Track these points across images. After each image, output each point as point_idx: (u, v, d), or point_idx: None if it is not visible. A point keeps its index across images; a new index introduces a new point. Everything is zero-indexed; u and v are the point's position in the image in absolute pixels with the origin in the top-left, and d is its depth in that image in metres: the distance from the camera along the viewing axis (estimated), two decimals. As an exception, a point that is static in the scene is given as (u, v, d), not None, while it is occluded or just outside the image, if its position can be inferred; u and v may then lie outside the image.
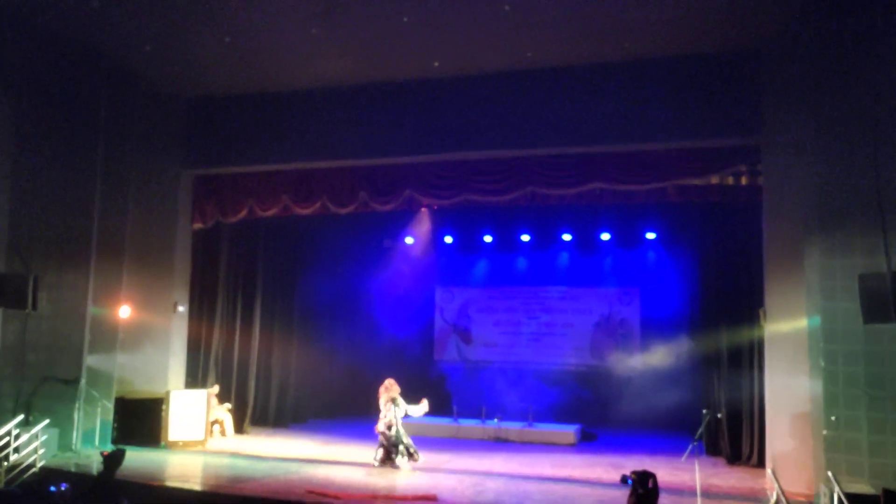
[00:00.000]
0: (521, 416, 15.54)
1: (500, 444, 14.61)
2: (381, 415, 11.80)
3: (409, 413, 11.94)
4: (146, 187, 13.72)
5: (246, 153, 13.92)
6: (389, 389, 11.89)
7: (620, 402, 16.68)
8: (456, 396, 16.42)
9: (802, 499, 9.62)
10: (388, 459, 11.67)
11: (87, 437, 12.46)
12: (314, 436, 15.19)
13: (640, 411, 16.22)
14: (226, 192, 14.43)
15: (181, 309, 14.32)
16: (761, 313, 11.33)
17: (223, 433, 14.45)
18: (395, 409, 11.76)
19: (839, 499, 7.73)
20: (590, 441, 15.10)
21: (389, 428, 11.65)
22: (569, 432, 14.82)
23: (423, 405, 11.97)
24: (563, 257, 17.96)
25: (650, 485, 7.09)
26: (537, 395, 16.31)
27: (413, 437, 12.02)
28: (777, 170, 10.96)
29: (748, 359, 12.60)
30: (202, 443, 13.35)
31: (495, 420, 15.21)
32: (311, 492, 9.77)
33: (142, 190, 13.59)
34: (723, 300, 13.30)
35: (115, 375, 12.89)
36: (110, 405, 12.78)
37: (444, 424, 15.54)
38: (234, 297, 15.77)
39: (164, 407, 13.21)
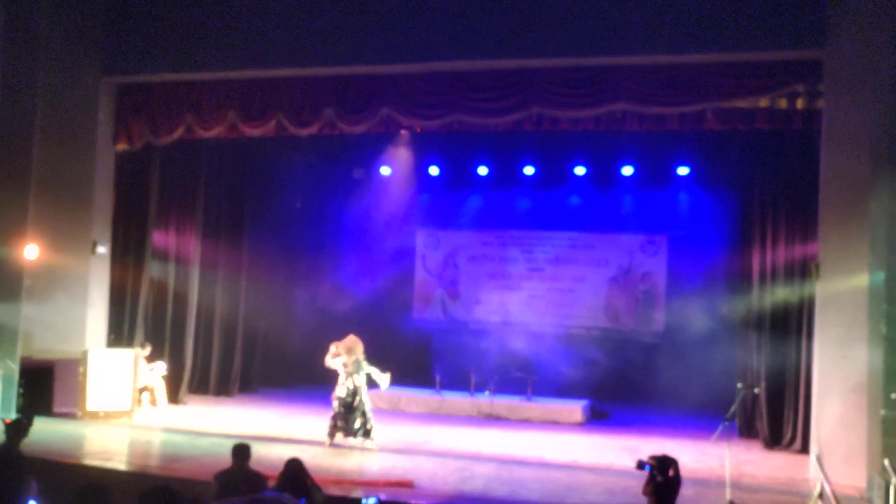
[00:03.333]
0: (518, 388, 15.72)
1: (491, 421, 14.82)
2: (341, 379, 11.88)
3: (376, 380, 12.03)
4: (58, 99, 13.49)
5: (182, 57, 13.68)
6: (352, 349, 11.94)
7: (639, 373, 16.90)
8: (439, 363, 16.57)
9: (853, 492, 9.82)
10: (339, 431, 11.79)
11: (-14, 404, 12.50)
12: (265, 407, 15.35)
13: (662, 385, 16.43)
14: (157, 105, 14.25)
15: (101, 250, 14.25)
16: (813, 268, 11.39)
17: (154, 403, 14.56)
18: (357, 373, 11.83)
19: (896, 492, 7.91)
20: (600, 420, 15.35)
21: (352, 395, 11.75)
22: (575, 409, 15.03)
23: (386, 378, 12.05)
24: (575, 196, 17.93)
25: (671, 472, 7.17)
26: (538, 363, 16.47)
27: (386, 412, 12.14)
28: (842, 91, 10.88)
29: (795, 323, 12.75)
30: (128, 414, 13.45)
31: (486, 393, 15.40)
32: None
33: (52, 102, 13.37)
34: (767, 252, 13.37)
35: (19, 330, 12.86)
36: (14, 366, 12.78)
37: (424, 397, 15.73)
38: (168, 236, 15.70)
39: (81, 369, 13.24)
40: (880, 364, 9.65)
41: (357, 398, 11.83)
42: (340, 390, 11.89)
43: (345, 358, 11.93)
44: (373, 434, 11.88)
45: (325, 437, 12.00)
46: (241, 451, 7.86)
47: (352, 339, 12.11)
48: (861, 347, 10.21)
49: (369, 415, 11.91)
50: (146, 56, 13.95)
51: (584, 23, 12.03)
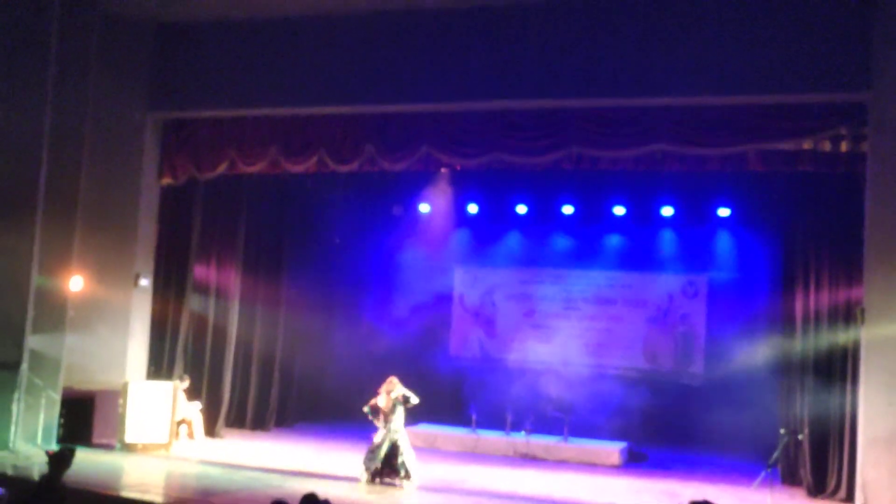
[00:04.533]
0: (555, 428, 15.56)
1: (527, 461, 14.69)
2: (380, 423, 11.85)
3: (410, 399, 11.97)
4: (105, 133, 13.73)
5: (226, 94, 13.91)
6: (392, 389, 11.91)
7: (678, 416, 16.64)
8: (475, 402, 16.44)
9: (899, 542, 9.57)
10: (381, 474, 11.73)
11: (29, 434, 12.60)
12: (301, 442, 15.35)
13: (701, 428, 16.17)
14: (202, 141, 14.46)
15: (144, 283, 14.41)
16: (858, 313, 11.20)
17: (191, 435, 14.60)
18: (398, 413, 11.79)
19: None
20: (639, 462, 15.12)
21: (388, 438, 11.70)
22: (613, 451, 14.84)
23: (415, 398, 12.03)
24: (614, 235, 17.85)
25: (712, 518, 7.07)
26: (575, 403, 16.28)
27: (422, 449, 12.06)
28: (887, 134, 10.81)
29: (840, 369, 12.49)
30: (166, 446, 13.49)
31: (522, 432, 15.27)
32: (295, 510, 9.84)
33: (100, 136, 13.60)
34: (811, 295, 13.16)
35: (62, 361, 13.00)
36: (57, 396, 12.91)
37: (459, 435, 15.63)
38: (209, 270, 15.86)
39: (121, 401, 13.34)
40: (928, 412, 9.44)
41: (393, 440, 11.74)
42: (378, 435, 11.85)
43: (384, 399, 11.87)
44: (411, 473, 11.77)
45: (361, 474, 11.97)
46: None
47: (390, 382, 12.03)
48: (908, 395, 10.00)
49: (406, 455, 11.80)
50: (192, 92, 14.21)
51: (622, 62, 12.08)
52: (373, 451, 11.79)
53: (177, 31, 14.32)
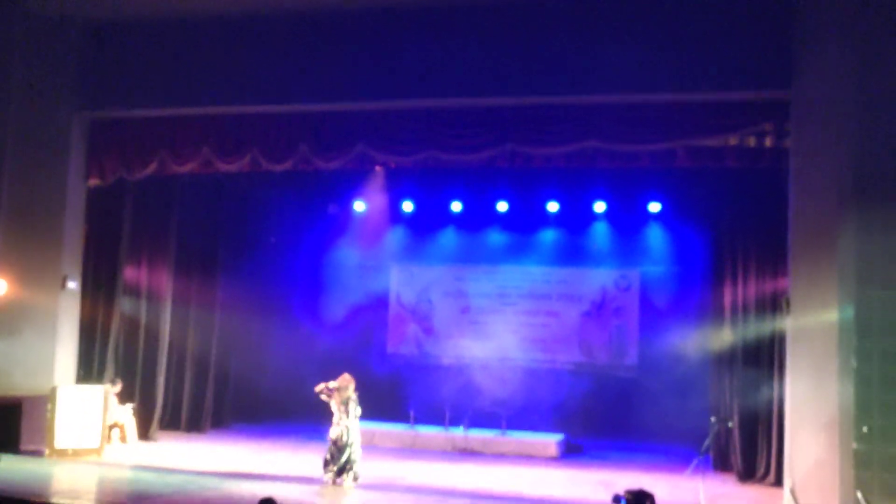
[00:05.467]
0: (493, 422, 15.69)
1: (466, 455, 14.77)
2: (335, 419, 11.75)
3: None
4: (29, 133, 13.48)
5: (156, 93, 13.67)
6: (345, 388, 11.82)
7: (613, 407, 16.94)
8: (413, 398, 16.51)
9: (826, 524, 9.87)
10: (331, 472, 11.66)
11: (-48, 443, 12.27)
12: (238, 443, 15.19)
13: (636, 419, 16.51)
14: (130, 141, 14.18)
15: (72, 285, 14.09)
16: (784, 303, 11.53)
17: (124, 439, 14.35)
18: (349, 412, 11.71)
19: (869, 524, 7.97)
20: (575, 453, 15.34)
21: (342, 436, 11.61)
22: (550, 443, 15.02)
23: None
24: (548, 232, 18.06)
25: (647, 506, 7.24)
26: (512, 397, 16.45)
27: (361, 447, 11.98)
28: (808, 130, 11.09)
29: (767, 358, 12.86)
30: (97, 451, 13.24)
31: (461, 427, 15.37)
32: (233, 512, 9.76)
33: (23, 136, 13.37)
34: (739, 287, 13.52)
35: (-13, 367, 12.67)
36: (-19, 404, 12.58)
37: (398, 432, 15.67)
38: (140, 272, 15.58)
39: (49, 406, 13.04)
40: (851, 397, 9.73)
41: (349, 438, 11.66)
42: (334, 431, 11.72)
43: (337, 394, 11.78)
44: (355, 474, 11.68)
45: (308, 473, 11.89)
46: None
47: (343, 379, 11.95)
48: (832, 381, 10.28)
49: (355, 455, 11.72)
50: (120, 92, 13.92)
51: (554, 62, 12.21)
52: (333, 455, 11.65)
53: (104, 30, 14.02)
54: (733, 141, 12.04)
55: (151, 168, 14.01)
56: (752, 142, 12.01)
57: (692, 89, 11.80)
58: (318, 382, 12.02)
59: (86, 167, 14.32)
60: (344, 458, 11.58)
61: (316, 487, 11.54)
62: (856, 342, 9.71)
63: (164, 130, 13.95)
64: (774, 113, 11.65)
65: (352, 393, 11.81)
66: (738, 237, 13.68)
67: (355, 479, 11.63)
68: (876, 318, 9.59)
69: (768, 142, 11.88)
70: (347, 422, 11.66)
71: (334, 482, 11.57)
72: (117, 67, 13.95)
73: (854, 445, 9.61)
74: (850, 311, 9.89)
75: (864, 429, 9.53)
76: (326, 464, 11.71)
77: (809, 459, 10.69)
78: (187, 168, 13.93)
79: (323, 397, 11.86)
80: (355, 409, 11.76)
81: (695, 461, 9.81)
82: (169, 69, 13.62)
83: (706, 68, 11.65)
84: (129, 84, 13.86)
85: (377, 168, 16.02)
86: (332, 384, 11.85)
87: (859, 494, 8.43)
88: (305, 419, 15.62)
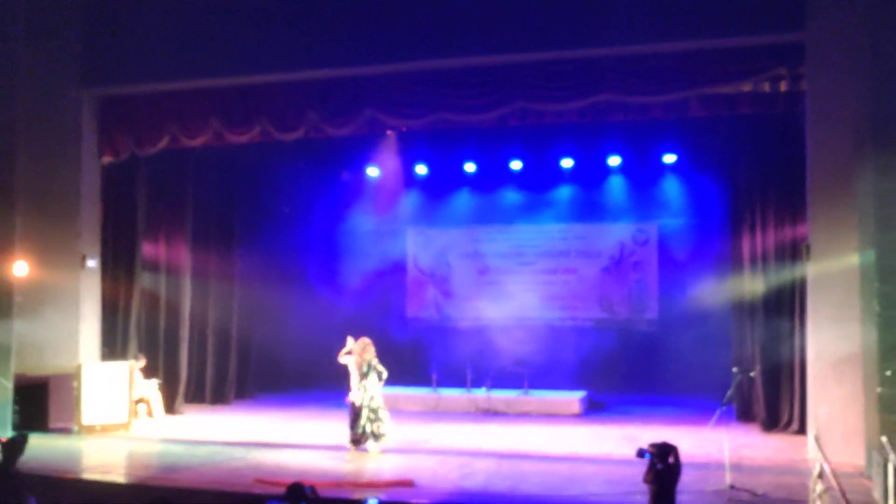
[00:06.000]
0: (515, 382, 15.73)
1: (489, 416, 14.84)
2: (353, 383, 11.78)
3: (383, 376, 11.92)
4: (39, 113, 13.44)
5: (163, 66, 13.59)
6: (365, 351, 11.84)
7: (635, 362, 16.95)
8: (435, 362, 16.57)
9: (851, 470, 9.85)
10: (360, 441, 11.69)
11: (-19, 423, 12.44)
12: (262, 413, 15.33)
13: (658, 373, 16.51)
14: (141, 116, 14.19)
15: (91, 264, 14.18)
16: (804, 249, 11.43)
17: (150, 414, 14.49)
18: (372, 377, 11.74)
19: (895, 468, 7.92)
20: (598, 410, 15.38)
21: (359, 401, 11.65)
22: (572, 400, 15.06)
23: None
24: (564, 189, 17.94)
25: (671, 459, 7.23)
26: (534, 357, 16.46)
27: (381, 410, 12.03)
28: (823, 73, 10.92)
29: (788, 306, 12.80)
30: (125, 426, 13.38)
31: (483, 389, 15.42)
32: (260, 481, 9.85)
33: (33, 116, 13.30)
34: (758, 235, 13.42)
35: (12, 348, 12.79)
36: (9, 384, 12.71)
37: (421, 395, 15.75)
38: (157, 247, 15.66)
39: (75, 384, 13.19)
40: (875, 342, 9.70)
41: (374, 402, 11.72)
42: (355, 395, 11.75)
43: (357, 358, 11.81)
44: (382, 437, 11.70)
45: (333, 441, 11.99)
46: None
47: (364, 342, 11.95)
48: (855, 326, 10.25)
49: (381, 419, 11.73)
50: (127, 67, 13.86)
51: (563, 15, 12.04)
52: (355, 422, 11.72)
53: (108, 5, 13.97)
54: (747, 87, 11.86)
55: (163, 143, 14.03)
56: (766, 87, 11.82)
57: (703, 36, 11.60)
58: (339, 350, 12.07)
59: (98, 145, 14.35)
60: (363, 422, 11.63)
61: (341, 453, 11.63)
62: (878, 286, 9.65)
63: (172, 104, 13.95)
64: (788, 57, 11.44)
65: (372, 357, 11.83)
66: (755, 185, 13.56)
67: (376, 438, 11.64)
68: (898, 262, 9.50)
69: (783, 86, 11.69)
70: (367, 385, 11.70)
71: (357, 447, 11.64)
72: (123, 42, 13.86)
73: (878, 390, 9.58)
74: (871, 256, 9.83)
75: (888, 373, 9.48)
76: (350, 429, 11.77)
77: (833, 406, 10.68)
78: (198, 141, 13.94)
79: (342, 360, 11.91)
80: (378, 373, 11.79)
81: (718, 412, 9.78)
82: (173, 42, 13.52)
83: (717, 13, 11.43)
84: (135, 59, 13.78)
85: (388, 132, 15.92)
86: (351, 346, 11.89)
87: (884, 439, 8.37)
88: (328, 387, 15.74)
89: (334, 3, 12.93)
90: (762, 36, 11.45)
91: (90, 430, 13.15)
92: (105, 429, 13.22)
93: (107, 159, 14.43)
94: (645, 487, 7.39)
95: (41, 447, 11.88)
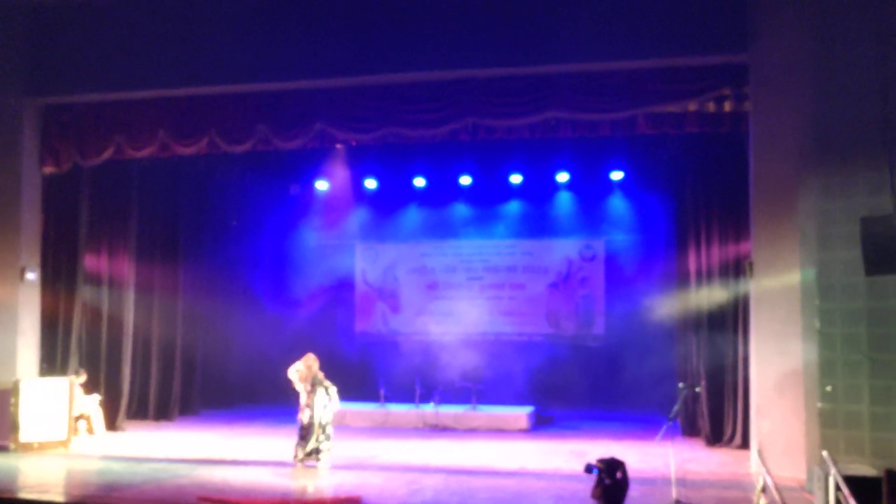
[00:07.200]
0: (463, 397, 15.74)
1: (437, 432, 14.81)
2: (302, 400, 11.68)
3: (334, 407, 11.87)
4: (-22, 121, 13.13)
5: (108, 76, 13.38)
6: (311, 368, 11.75)
7: (582, 377, 17.08)
8: (383, 377, 16.50)
9: (793, 483, 10.02)
10: (308, 456, 11.60)
11: (-87, 442, 12.05)
12: (207, 430, 15.09)
13: (605, 388, 16.66)
14: (85, 126, 13.92)
15: (31, 276, 13.83)
16: (747, 267, 11.63)
17: (91, 430, 14.17)
18: (320, 393, 11.64)
19: (836, 482, 8.07)
20: (546, 425, 15.45)
21: (309, 418, 11.56)
22: (520, 416, 15.10)
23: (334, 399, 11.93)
24: (512, 204, 18.06)
25: (619, 475, 7.24)
26: (482, 372, 16.50)
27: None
28: (767, 94, 11.14)
29: (732, 322, 13.01)
30: (65, 443, 13.06)
31: (431, 404, 15.39)
32: (204, 499, 9.68)
33: (-28, 124, 12.99)
34: (703, 252, 13.64)
35: (-54, 362, 12.44)
36: (-58, 400, 12.35)
37: (369, 411, 15.66)
38: (100, 260, 15.35)
39: (12, 400, 12.83)
40: (815, 358, 9.88)
41: (320, 419, 11.61)
42: (304, 414, 11.65)
43: (303, 374, 11.70)
44: (323, 454, 11.63)
45: (278, 457, 11.85)
46: None
47: (309, 358, 11.88)
48: (796, 343, 10.44)
49: (322, 435, 11.65)
50: (72, 76, 13.61)
51: (514, 33, 12.13)
52: (304, 438, 11.61)
53: (53, 13, 13.69)
54: (693, 106, 12.07)
55: (107, 153, 13.76)
56: (711, 107, 12.04)
57: (650, 56, 11.77)
58: (285, 365, 11.94)
59: (40, 154, 14.02)
60: (313, 439, 11.54)
61: (288, 470, 11.49)
62: (818, 303, 9.83)
63: (118, 115, 13.70)
64: (733, 77, 11.67)
65: (318, 373, 11.75)
66: (700, 203, 13.80)
67: (317, 456, 11.55)
68: (838, 280, 9.70)
69: (727, 106, 11.92)
70: (315, 402, 11.61)
71: (304, 464, 11.53)
72: (68, 51, 13.62)
73: (819, 405, 9.76)
74: (811, 274, 10.02)
75: (828, 388, 9.67)
76: (297, 445, 11.66)
77: (775, 421, 10.85)
78: (144, 153, 13.71)
79: (292, 379, 11.80)
80: (325, 389, 11.70)
81: (664, 427, 9.87)
82: (121, 51, 13.32)
83: (663, 34, 11.62)
84: (80, 68, 13.55)
85: (338, 146, 15.85)
86: (297, 365, 11.79)
87: (825, 453, 8.53)
88: (274, 403, 15.58)
89: (285, 16, 12.85)
90: (707, 56, 11.65)
91: (27, 447, 12.78)
92: (43, 446, 12.87)
93: (49, 169, 14.10)
94: (593, 503, 7.42)
95: (-24, 465, 11.56)
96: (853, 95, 9.69)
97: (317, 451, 11.60)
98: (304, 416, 11.61)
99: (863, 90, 9.56)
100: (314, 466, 11.51)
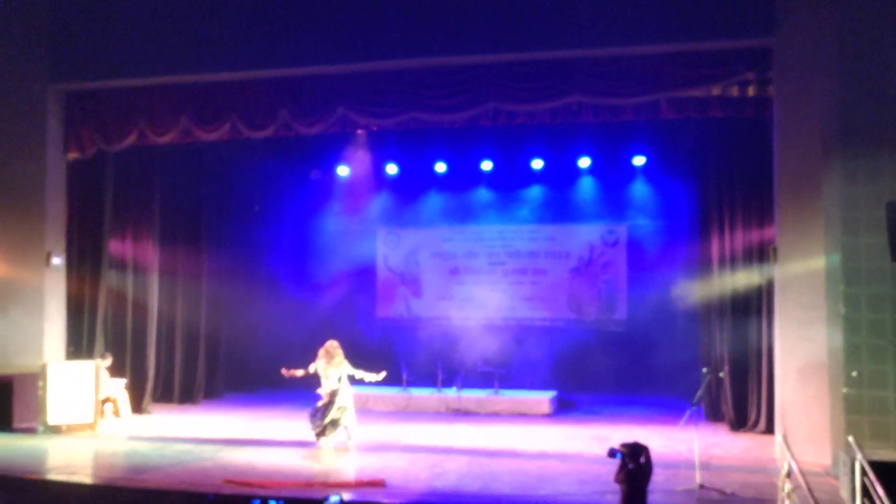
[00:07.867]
0: (485, 382, 15.77)
1: (460, 416, 14.86)
2: (323, 385, 11.83)
3: (366, 378, 11.99)
4: (4, 108, 13.32)
5: (132, 61, 13.47)
6: (331, 353, 11.87)
7: (604, 362, 17.01)
8: (406, 361, 16.54)
9: (819, 469, 10.00)
10: (324, 433, 11.75)
11: (-56, 424, 12.25)
12: (231, 412, 15.22)
13: (628, 373, 16.62)
14: (108, 112, 14.04)
15: (57, 261, 14.01)
16: (771, 252, 11.58)
17: (117, 413, 14.32)
18: (344, 379, 11.77)
19: (861, 468, 8.05)
20: (568, 409, 15.46)
21: (331, 398, 11.71)
22: (543, 400, 15.11)
23: (376, 376, 12.06)
24: (534, 189, 18.01)
25: (642, 459, 7.28)
26: (504, 357, 16.52)
27: (355, 412, 12.06)
28: (791, 78, 11.07)
29: (756, 307, 12.95)
30: (91, 426, 13.22)
31: (454, 388, 15.44)
32: (230, 481, 9.78)
33: (-3, 111, 13.15)
34: (726, 237, 13.57)
35: (-25, 347, 12.63)
36: (-28, 383, 12.55)
37: (391, 395, 15.71)
38: (125, 245, 15.49)
39: (40, 384, 13.00)
40: (840, 343, 9.85)
41: (335, 400, 11.73)
42: (322, 396, 11.81)
43: (322, 362, 11.85)
44: (349, 432, 11.79)
45: (302, 438, 11.96)
46: None
47: (329, 345, 12.01)
48: (820, 328, 10.40)
49: (344, 415, 11.77)
50: (95, 62, 13.71)
51: (535, 16, 12.10)
52: (317, 412, 11.75)
53: (76, 0, 13.79)
54: (716, 91, 12.02)
55: (130, 139, 13.88)
56: (735, 91, 11.99)
57: (674, 40, 11.71)
58: (308, 350, 12.06)
59: (64, 140, 14.18)
60: (327, 420, 11.66)
61: (312, 451, 11.59)
62: (843, 288, 9.81)
63: (141, 101, 13.81)
64: (757, 62, 11.60)
65: (340, 357, 11.85)
66: (724, 188, 13.70)
67: (327, 435, 11.68)
68: (863, 264, 9.66)
69: (751, 91, 11.86)
70: (334, 386, 11.73)
71: (324, 442, 11.67)
72: (90, 37, 13.72)
73: (844, 390, 9.74)
74: (836, 259, 9.98)
75: (854, 373, 9.64)
76: (316, 428, 11.79)
77: (800, 406, 10.83)
78: (167, 138, 13.81)
79: (311, 370, 11.93)
80: (346, 373, 11.81)
81: (687, 412, 9.86)
82: (143, 38, 13.41)
83: (687, 18, 11.55)
84: (103, 54, 13.64)
85: (359, 132, 15.92)
86: (319, 353, 11.92)
87: (851, 439, 8.51)
88: (297, 386, 15.58)
89: (307, 1, 12.87)
90: (731, 40, 11.58)
91: (55, 430, 12.97)
92: (71, 429, 13.05)
93: (73, 155, 14.26)
94: (616, 487, 7.45)
95: (5, 447, 11.75)
96: (879, 81, 9.65)
97: (333, 422, 11.70)
98: (321, 402, 11.76)
99: (889, 76, 9.51)
100: (344, 446, 11.65)
